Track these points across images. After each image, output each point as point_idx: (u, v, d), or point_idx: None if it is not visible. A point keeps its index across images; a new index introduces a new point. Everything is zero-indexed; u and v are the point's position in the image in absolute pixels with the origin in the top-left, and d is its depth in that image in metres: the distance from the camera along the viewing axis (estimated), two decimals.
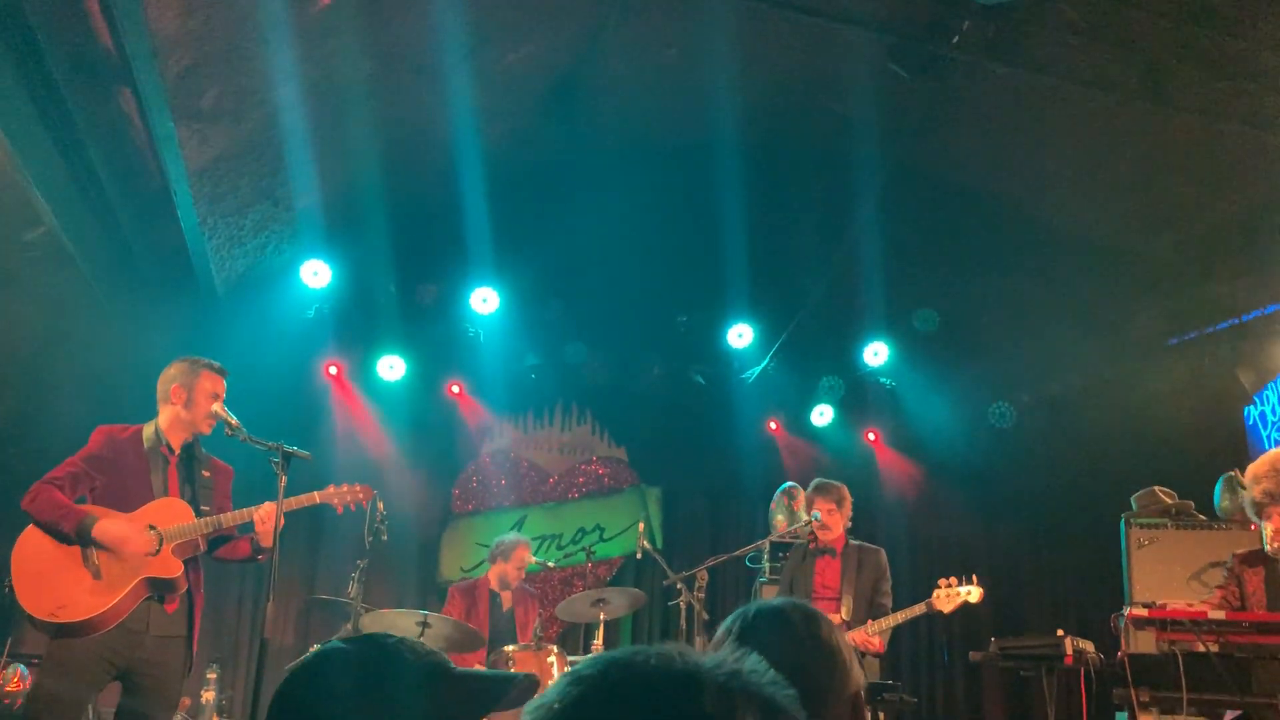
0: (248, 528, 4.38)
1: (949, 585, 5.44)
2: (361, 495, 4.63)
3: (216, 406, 4.33)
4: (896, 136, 7.40)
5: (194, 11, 4.89)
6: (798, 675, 1.90)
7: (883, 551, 5.83)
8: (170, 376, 4.39)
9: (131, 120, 5.24)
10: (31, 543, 3.99)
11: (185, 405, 4.35)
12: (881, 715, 5.40)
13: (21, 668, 5.52)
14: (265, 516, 4.26)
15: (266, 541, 4.28)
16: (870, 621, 5.42)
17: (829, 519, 5.68)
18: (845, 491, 5.83)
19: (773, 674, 1.04)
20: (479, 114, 7.03)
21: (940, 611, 5.41)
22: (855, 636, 5.33)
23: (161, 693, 4.12)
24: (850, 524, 5.87)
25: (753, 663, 1.03)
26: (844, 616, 5.50)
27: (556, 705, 0.98)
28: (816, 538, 5.76)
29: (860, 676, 1.86)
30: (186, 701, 6.45)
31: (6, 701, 5.53)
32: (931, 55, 5.46)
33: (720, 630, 1.94)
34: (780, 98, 7.74)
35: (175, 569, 4.14)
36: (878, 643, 5.40)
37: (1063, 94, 6.27)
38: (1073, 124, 7.09)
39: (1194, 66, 5.00)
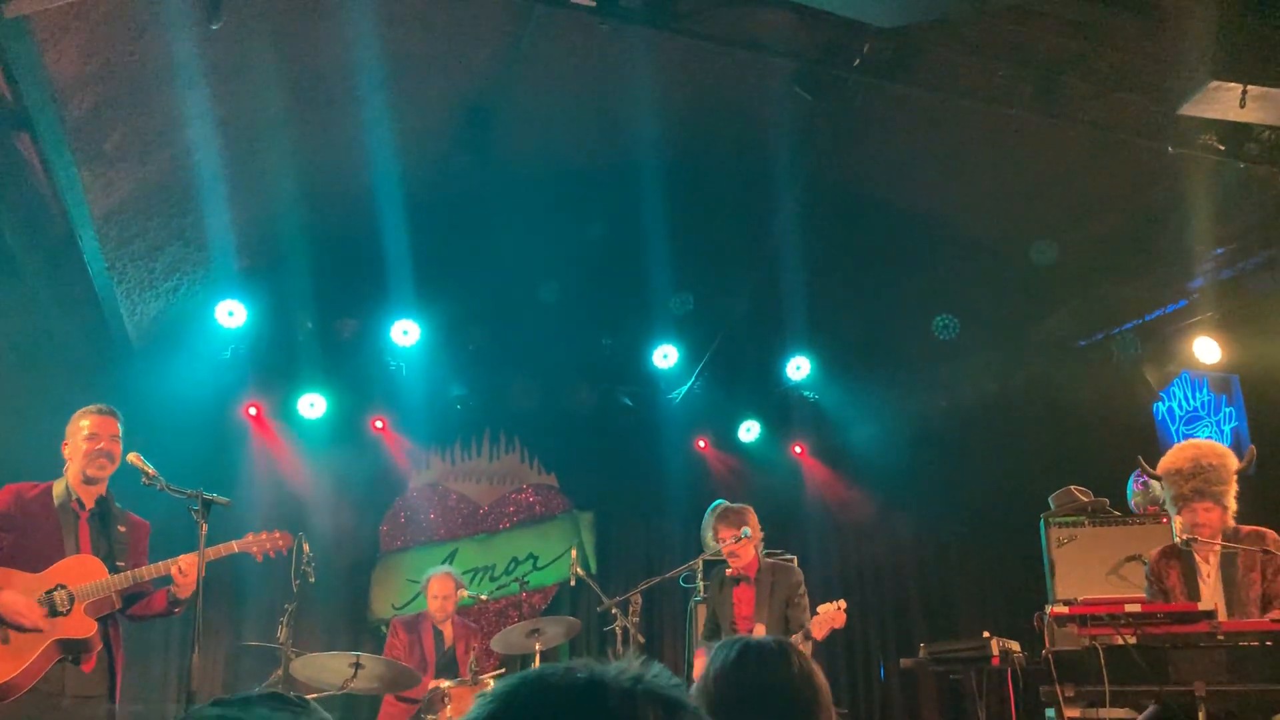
0: (163, 581, 4.29)
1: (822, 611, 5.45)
2: (281, 542, 4.58)
3: (102, 446, 4.27)
4: (811, 155, 7.54)
5: (93, 55, 4.81)
6: (793, 706, 1.96)
7: (795, 567, 5.84)
8: (66, 431, 4.34)
9: (31, 166, 5.11)
10: None
11: (70, 455, 4.31)
12: None
13: None
14: (185, 568, 4.18)
15: (186, 593, 4.21)
16: (792, 638, 5.42)
17: (735, 546, 5.61)
18: (748, 515, 5.74)
19: (675, 679, 1.13)
20: (392, 146, 6.99)
21: (817, 639, 5.39)
22: None
23: None
24: (762, 545, 5.85)
25: (656, 669, 1.12)
26: None
27: None
28: (730, 565, 5.75)
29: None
30: None
31: None
32: (834, 78, 5.59)
33: (710, 664, 2.05)
34: (696, 121, 7.84)
35: (88, 629, 4.03)
36: None
37: (964, 109, 6.45)
38: (976, 137, 7.30)
39: (1084, 80, 5.21)
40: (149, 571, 4.23)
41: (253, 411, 8.20)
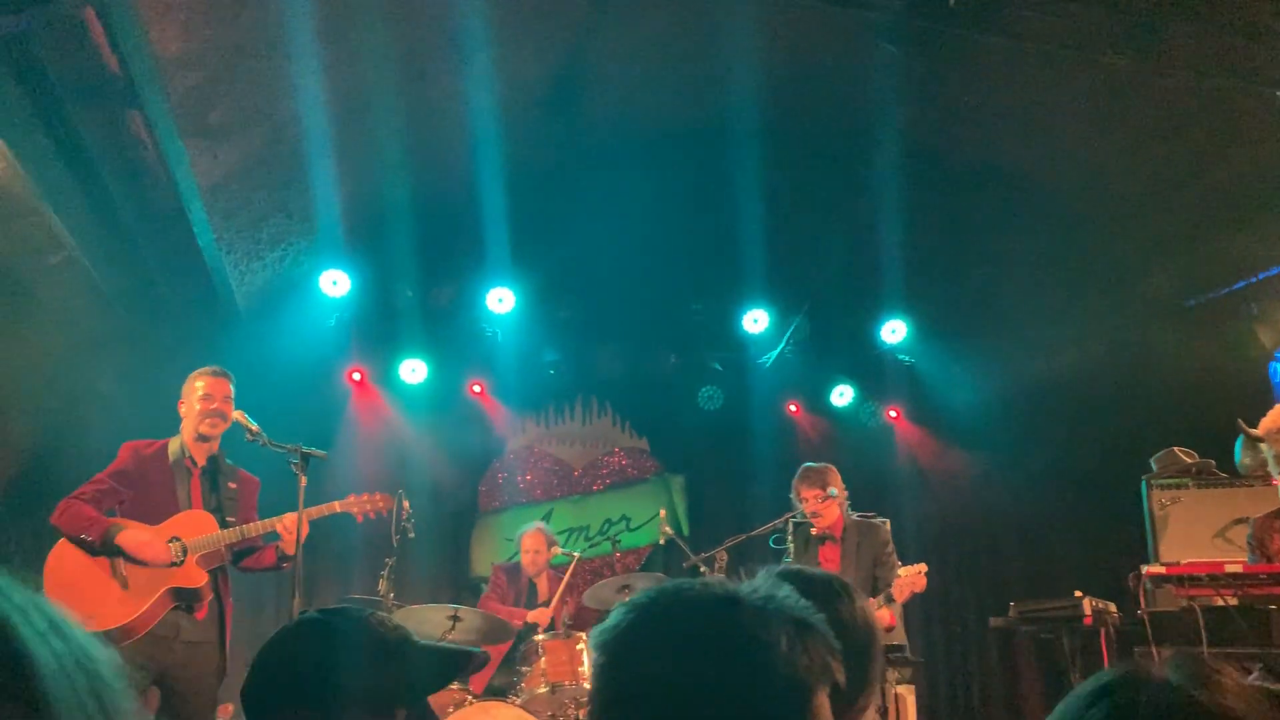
0: (272, 537, 4.52)
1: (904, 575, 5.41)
2: (381, 504, 4.76)
3: (215, 406, 4.49)
4: (906, 114, 7.41)
5: (195, 31, 5.01)
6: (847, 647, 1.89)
7: (884, 526, 5.80)
8: (183, 391, 4.58)
9: (142, 141, 5.36)
10: (62, 557, 4.15)
11: (186, 414, 4.53)
12: (896, 675, 5.39)
13: None
14: (290, 525, 4.39)
15: (293, 549, 4.42)
16: (870, 599, 5.39)
17: (819, 506, 5.61)
18: (831, 474, 5.72)
19: (803, 600, 1.16)
20: (488, 113, 7.10)
21: (897, 601, 5.36)
22: None
23: (196, 698, 4.27)
24: (847, 503, 5.83)
25: (785, 590, 1.16)
26: None
27: (616, 628, 1.13)
28: (814, 525, 5.74)
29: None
30: (230, 708, 6.58)
31: None
32: (922, 30, 5.49)
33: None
34: (787, 81, 7.75)
35: (199, 579, 4.27)
36: (887, 616, 5.35)
37: (1062, 62, 6.26)
38: (1075, 91, 7.07)
39: (1185, 25, 4.99)
40: (256, 528, 4.46)
41: (356, 377, 8.48)
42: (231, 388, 4.62)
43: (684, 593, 1.14)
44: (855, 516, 5.91)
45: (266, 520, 4.51)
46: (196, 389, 4.55)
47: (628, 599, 1.18)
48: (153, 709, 4.31)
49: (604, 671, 1.13)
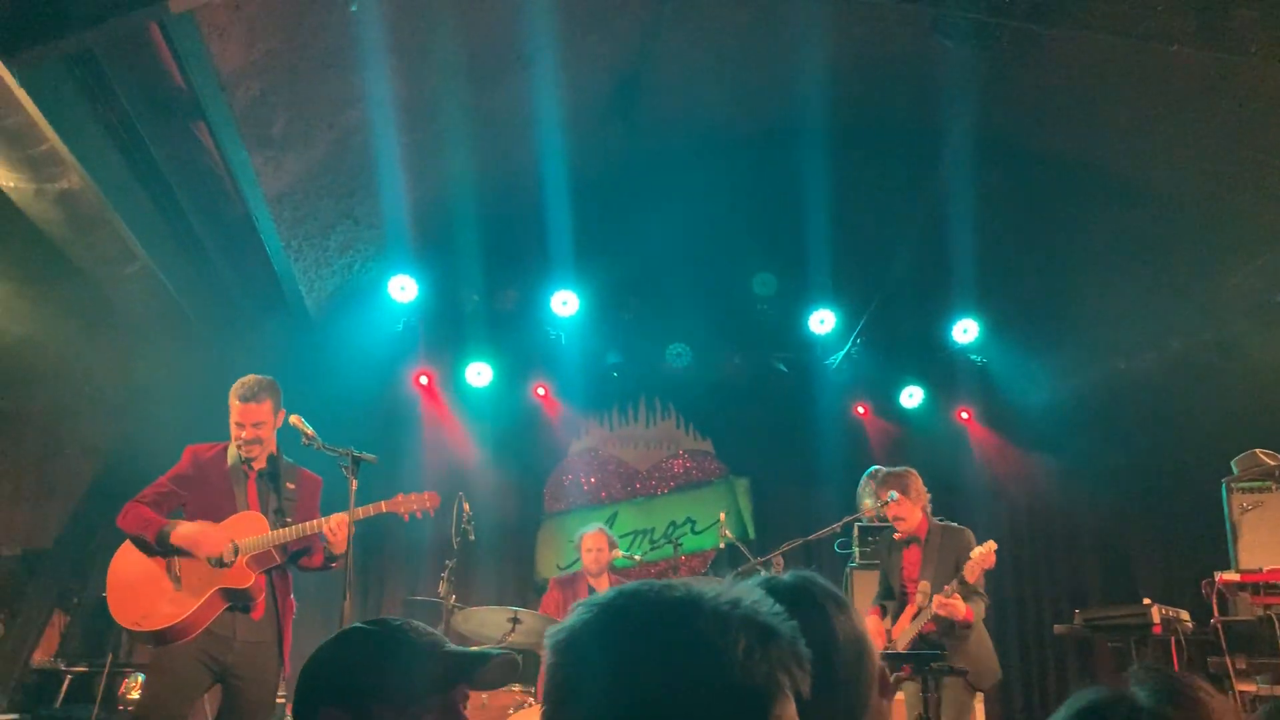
0: (324, 537, 4.57)
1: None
2: (429, 502, 4.73)
3: (245, 435, 4.46)
4: (974, 107, 7.25)
5: (255, 43, 5.13)
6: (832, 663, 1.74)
7: (967, 531, 5.69)
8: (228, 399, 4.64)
9: (208, 152, 5.50)
10: (124, 558, 4.29)
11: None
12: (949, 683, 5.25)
13: (141, 676, 5.87)
14: (336, 526, 4.44)
15: (339, 550, 4.47)
16: (946, 586, 5.28)
17: (899, 510, 5.56)
18: (909, 478, 5.64)
19: (775, 606, 1.11)
20: (551, 119, 7.14)
21: (969, 582, 5.26)
22: (936, 600, 5.23)
23: (255, 695, 4.35)
24: (929, 507, 5.74)
25: (755, 596, 1.11)
26: (919, 604, 5.41)
27: (570, 627, 1.10)
28: (897, 529, 5.69)
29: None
30: None
31: (133, 710, 5.87)
32: (978, 23, 5.35)
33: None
34: (856, 76, 7.66)
35: (247, 579, 4.33)
36: (963, 608, 5.21)
37: (1137, 50, 6.05)
38: (1156, 83, 6.84)
39: (1254, 7, 4.78)
40: (303, 529, 4.48)
41: (424, 381, 8.62)
42: (268, 407, 4.51)
43: (642, 594, 1.10)
44: (940, 523, 5.83)
45: (312, 521, 4.49)
46: (233, 409, 4.51)
47: (587, 599, 1.15)
48: (214, 706, 4.42)
49: (555, 671, 1.10)
